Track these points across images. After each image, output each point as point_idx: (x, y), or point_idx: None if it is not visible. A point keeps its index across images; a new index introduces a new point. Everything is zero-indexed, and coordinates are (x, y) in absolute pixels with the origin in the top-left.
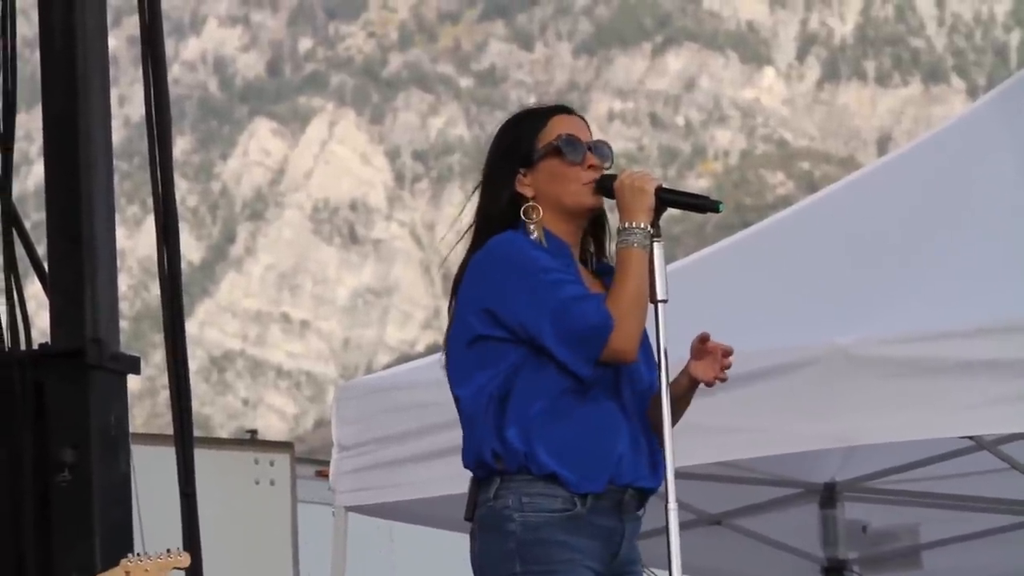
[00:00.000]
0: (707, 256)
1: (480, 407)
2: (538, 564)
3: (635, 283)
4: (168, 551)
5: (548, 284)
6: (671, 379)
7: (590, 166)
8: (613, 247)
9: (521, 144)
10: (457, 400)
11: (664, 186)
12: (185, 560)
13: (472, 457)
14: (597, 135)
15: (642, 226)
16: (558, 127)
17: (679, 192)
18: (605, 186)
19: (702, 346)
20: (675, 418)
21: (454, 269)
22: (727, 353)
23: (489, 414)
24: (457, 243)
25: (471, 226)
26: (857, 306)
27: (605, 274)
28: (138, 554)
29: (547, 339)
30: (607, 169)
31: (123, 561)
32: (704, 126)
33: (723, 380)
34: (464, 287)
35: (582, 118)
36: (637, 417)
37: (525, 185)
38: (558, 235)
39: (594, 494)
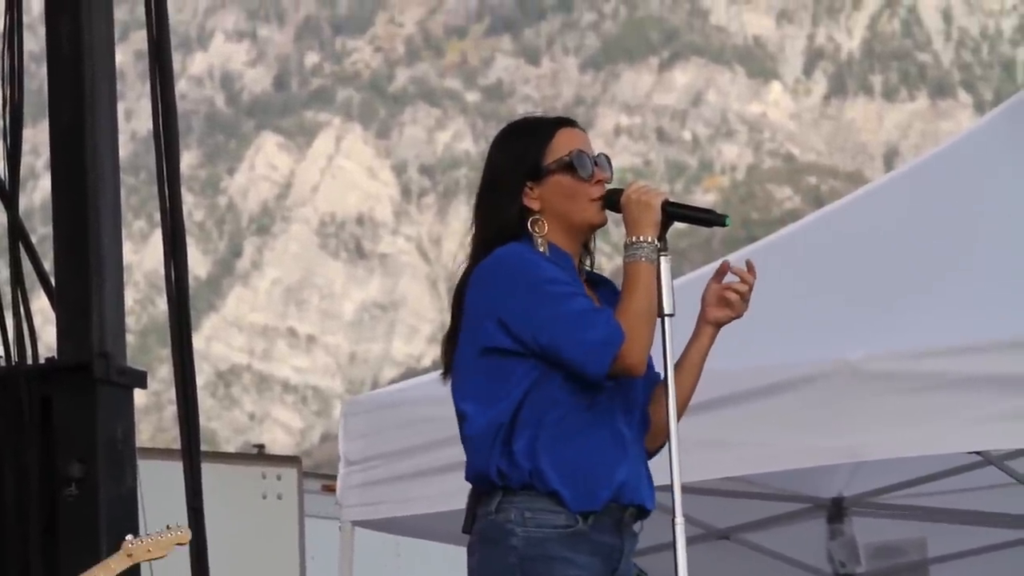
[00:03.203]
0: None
1: (490, 433)
2: None
3: (644, 297)
4: (168, 527)
5: (559, 296)
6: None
7: (597, 181)
8: (601, 258)
9: (529, 157)
10: (462, 416)
11: (670, 200)
12: (186, 535)
13: (476, 472)
14: (603, 150)
15: (649, 240)
16: (565, 141)
17: (686, 206)
18: (611, 200)
19: (719, 286)
20: (690, 390)
21: None
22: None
23: (498, 438)
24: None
25: (472, 236)
26: (865, 322)
27: (596, 284)
28: (138, 536)
29: (559, 352)
30: (607, 182)
31: (124, 544)
32: (711, 141)
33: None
34: (472, 296)
35: (583, 131)
36: (639, 438)
37: (532, 199)
38: (561, 247)
39: (594, 513)
